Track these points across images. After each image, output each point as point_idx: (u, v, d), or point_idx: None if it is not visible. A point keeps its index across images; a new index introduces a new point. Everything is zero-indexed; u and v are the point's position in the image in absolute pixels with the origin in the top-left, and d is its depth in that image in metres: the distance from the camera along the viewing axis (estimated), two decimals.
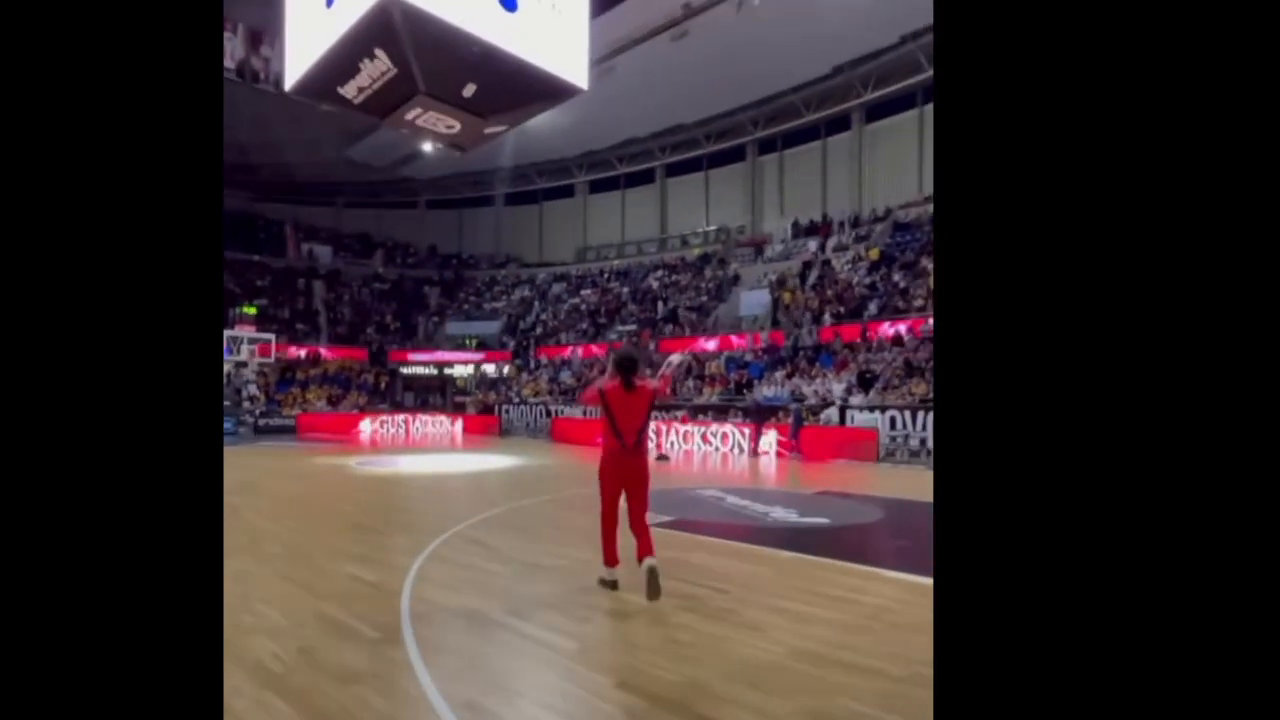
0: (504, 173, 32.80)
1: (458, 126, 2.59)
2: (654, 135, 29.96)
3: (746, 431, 16.11)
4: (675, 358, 4.46)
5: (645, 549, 3.98)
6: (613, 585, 4.14)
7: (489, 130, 2.73)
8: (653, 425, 3.87)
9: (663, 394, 4.36)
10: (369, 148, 27.91)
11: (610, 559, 4.20)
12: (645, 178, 32.13)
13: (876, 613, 3.69)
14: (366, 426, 22.44)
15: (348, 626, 3.42)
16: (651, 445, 4.29)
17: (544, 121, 22.34)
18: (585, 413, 21.13)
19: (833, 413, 15.69)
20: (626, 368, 4.16)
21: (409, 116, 2.50)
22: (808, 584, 4.34)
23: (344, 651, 3.08)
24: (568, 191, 34.09)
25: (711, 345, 22.24)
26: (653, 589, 3.77)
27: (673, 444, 16.92)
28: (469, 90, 2.40)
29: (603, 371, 20.92)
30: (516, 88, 2.45)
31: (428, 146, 25.90)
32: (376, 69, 2.28)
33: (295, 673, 2.86)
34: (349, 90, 2.44)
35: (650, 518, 6.32)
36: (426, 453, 15.66)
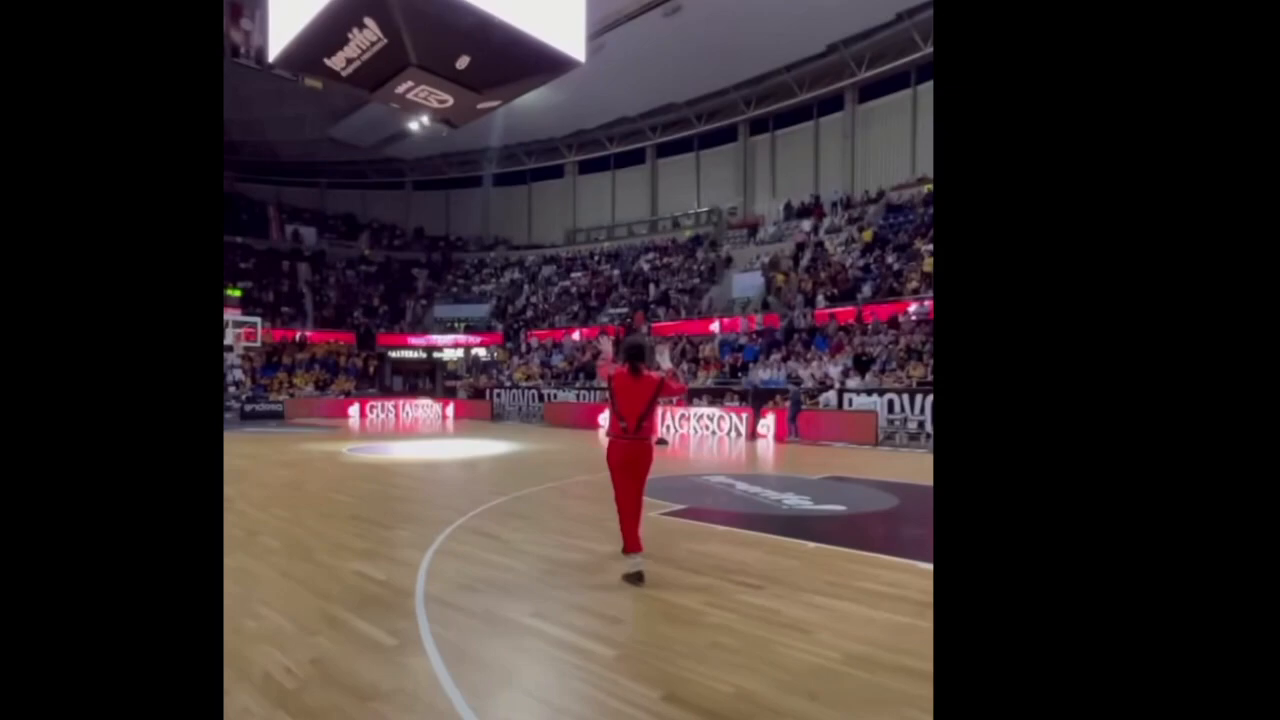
0: (492, 153, 32.18)
1: (450, 101, 2.45)
2: (644, 115, 29.45)
3: (744, 415, 15.94)
4: (665, 361, 4.42)
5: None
6: (638, 577, 3.96)
7: (482, 105, 2.59)
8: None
9: (681, 391, 4.51)
10: (353, 127, 27.23)
11: (632, 545, 4.10)
12: (636, 158, 31.65)
13: (921, 610, 3.49)
14: (355, 411, 22.07)
15: (361, 632, 3.17)
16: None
17: (533, 100, 21.83)
18: (579, 396, 20.89)
19: (831, 396, 15.55)
20: (634, 356, 4.20)
21: (399, 90, 2.36)
22: (840, 577, 4.14)
23: (361, 662, 2.84)
24: (557, 172, 33.55)
25: (714, 327, 22.01)
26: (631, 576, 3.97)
27: (669, 428, 16.73)
28: (462, 63, 2.26)
29: (596, 355, 20.70)
30: (512, 60, 2.33)
31: (414, 125, 25.37)
32: (366, 39, 2.12)
33: (309, 688, 2.61)
34: (337, 62, 2.28)
35: (662, 505, 6.19)
36: (419, 438, 15.36)
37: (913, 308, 17.64)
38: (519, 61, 2.33)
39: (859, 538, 5.42)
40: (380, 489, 7.93)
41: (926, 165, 23.20)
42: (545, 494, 7.44)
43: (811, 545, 4.99)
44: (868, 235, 22.14)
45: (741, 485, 7.99)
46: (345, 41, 2.15)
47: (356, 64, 2.24)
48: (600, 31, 20.65)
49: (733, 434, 15.89)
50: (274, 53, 2.35)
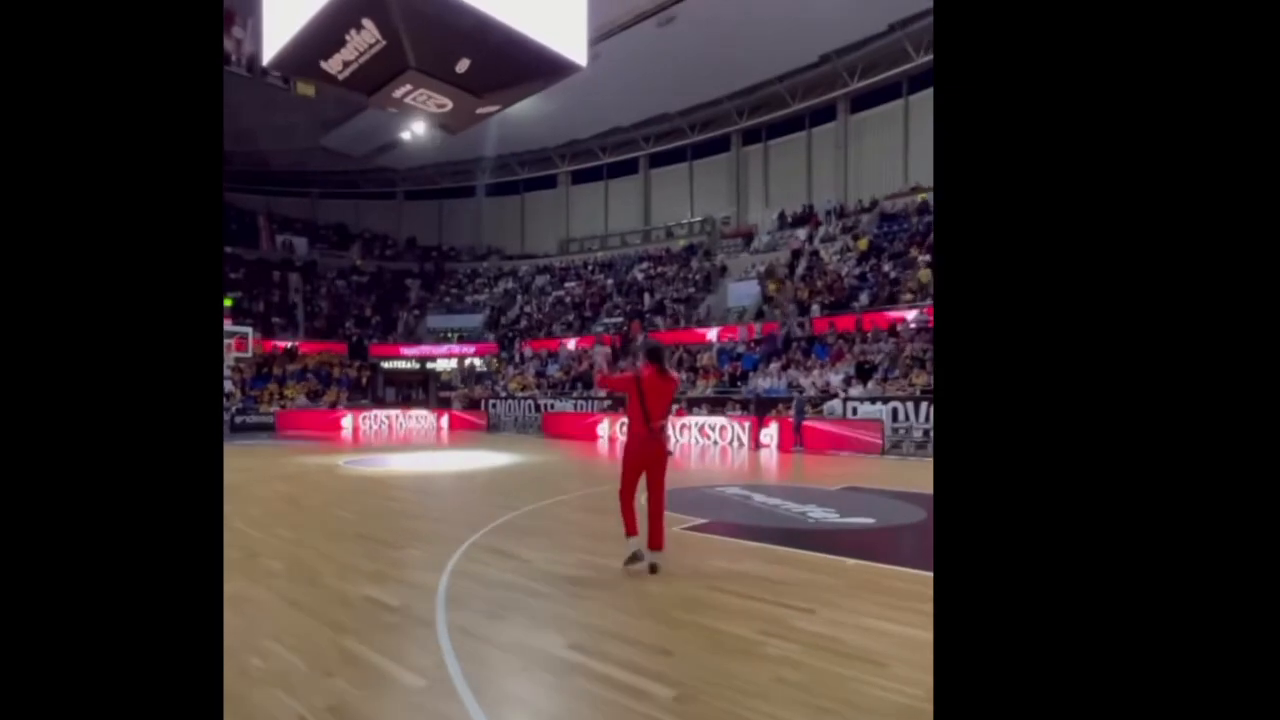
0: (485, 163, 31.99)
1: (449, 105, 2.37)
2: (638, 125, 29.40)
3: (746, 425, 15.69)
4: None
5: (657, 542, 4.40)
6: (636, 558, 4.30)
7: (482, 110, 2.51)
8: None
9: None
10: (345, 136, 26.90)
11: (630, 529, 4.38)
12: (629, 168, 31.56)
13: None
14: (349, 423, 21.63)
15: (383, 671, 2.85)
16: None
17: (525, 110, 21.62)
18: (577, 406, 20.56)
19: (836, 404, 15.33)
20: (658, 356, 4.53)
21: (397, 94, 2.27)
22: (892, 598, 3.86)
23: (387, 708, 2.52)
24: (550, 182, 33.39)
25: (711, 335, 21.82)
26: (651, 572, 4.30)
27: (669, 436, 16.43)
28: (462, 66, 2.19)
29: (592, 367, 20.41)
30: (512, 63, 2.27)
31: (406, 135, 25.08)
32: (364, 41, 2.05)
33: None
34: (333, 65, 2.19)
35: (682, 519, 5.96)
36: (415, 450, 14.98)
37: (912, 315, 17.48)
38: (520, 64, 2.26)
39: (897, 553, 5.15)
40: (383, 504, 7.58)
41: (919, 174, 23.14)
42: (556, 508, 7.13)
43: (851, 562, 4.71)
44: (863, 244, 22.02)
45: (759, 497, 7.71)
46: (342, 43, 2.06)
47: (354, 67, 2.15)
48: (594, 41, 20.46)
49: (735, 443, 15.63)
50: (268, 56, 2.24)
